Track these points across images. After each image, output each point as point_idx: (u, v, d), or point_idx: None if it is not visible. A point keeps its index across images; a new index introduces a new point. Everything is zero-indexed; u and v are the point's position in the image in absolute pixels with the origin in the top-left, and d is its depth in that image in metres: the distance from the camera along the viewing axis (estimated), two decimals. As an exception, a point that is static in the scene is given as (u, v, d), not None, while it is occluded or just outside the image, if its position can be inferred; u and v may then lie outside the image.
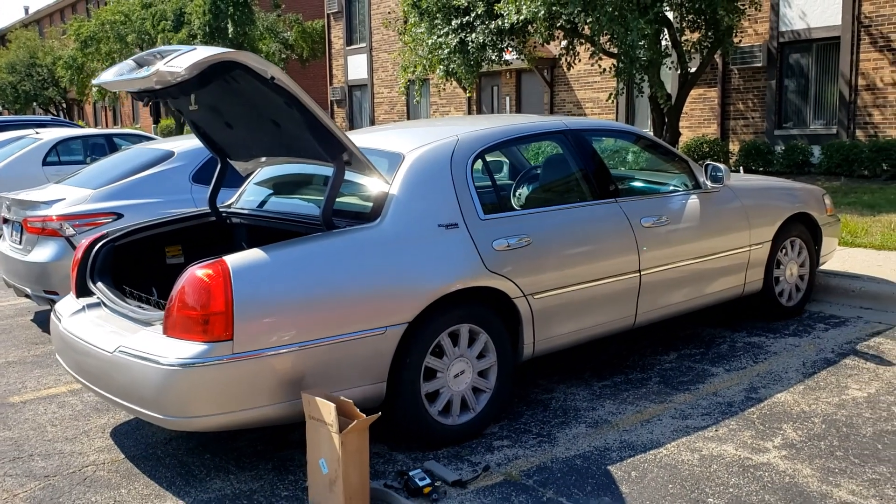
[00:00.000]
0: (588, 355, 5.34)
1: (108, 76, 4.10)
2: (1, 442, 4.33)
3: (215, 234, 4.94)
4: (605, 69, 15.18)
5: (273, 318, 3.53)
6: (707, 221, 5.20)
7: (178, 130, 30.17)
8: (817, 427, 4.08)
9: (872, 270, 6.76)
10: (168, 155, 6.88)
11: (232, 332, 3.44)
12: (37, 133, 12.71)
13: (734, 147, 16.47)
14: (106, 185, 6.56)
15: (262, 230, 4.79)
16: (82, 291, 4.38)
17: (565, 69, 14.15)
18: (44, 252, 6.26)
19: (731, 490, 3.49)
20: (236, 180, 6.83)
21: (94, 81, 4.25)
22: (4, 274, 6.81)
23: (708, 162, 5.50)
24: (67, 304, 4.38)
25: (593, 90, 19.30)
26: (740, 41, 15.46)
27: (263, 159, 4.71)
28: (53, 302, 6.31)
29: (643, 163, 5.36)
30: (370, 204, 4.11)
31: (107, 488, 3.76)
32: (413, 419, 3.92)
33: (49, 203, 6.42)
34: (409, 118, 25.50)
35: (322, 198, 4.60)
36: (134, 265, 4.65)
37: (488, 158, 4.39)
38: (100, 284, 4.32)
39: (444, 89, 19.00)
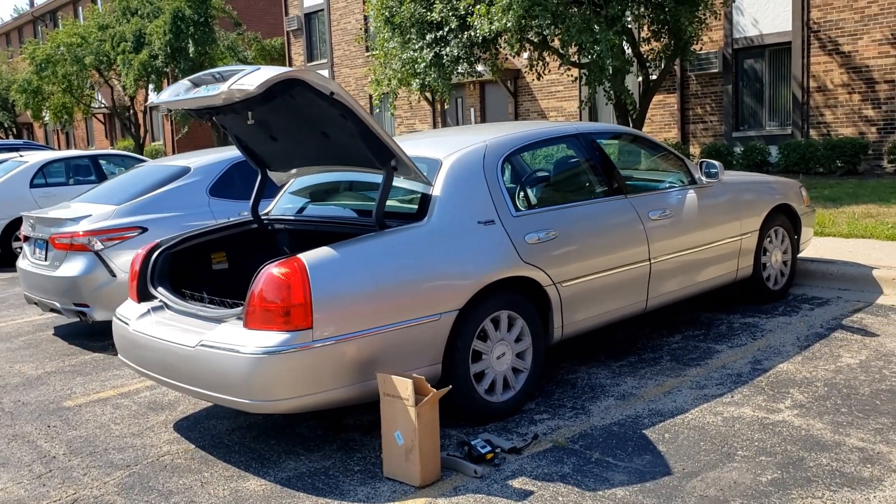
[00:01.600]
0: (601, 340, 5.80)
1: (165, 97, 4.46)
2: (72, 440, 4.63)
3: (256, 241, 5.30)
4: (574, 78, 15.78)
5: (346, 308, 3.92)
6: (704, 214, 5.72)
7: (138, 151, 30.14)
8: (821, 390, 4.59)
9: (845, 256, 7.36)
10: (185, 171, 7.20)
11: (311, 321, 3.83)
12: (21, 156, 12.84)
13: (695, 150, 17.20)
14: (128, 201, 6.86)
15: (305, 234, 5.17)
16: (144, 296, 4.71)
17: (530, 80, 14.71)
18: (73, 267, 6.53)
19: (756, 444, 3.97)
20: (236, 192, 7.23)
21: (153, 101, 4.59)
22: (27, 290, 7.06)
23: (702, 159, 6.02)
24: (131, 309, 4.70)
25: (556, 99, 19.94)
26: (700, 48, 16.19)
27: (295, 171, 5.10)
28: (84, 314, 6.58)
29: (642, 161, 5.87)
30: (415, 205, 4.53)
31: (189, 472, 4.10)
32: (465, 397, 4.33)
33: (76, 220, 6.69)
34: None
35: (362, 202, 5.04)
36: (184, 271, 4.98)
37: (513, 161, 4.83)
38: (161, 289, 4.65)
39: (419, 101, 19.47)
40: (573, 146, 5.31)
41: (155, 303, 4.64)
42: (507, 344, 4.54)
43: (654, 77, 15.05)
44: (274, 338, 3.82)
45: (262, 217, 5.29)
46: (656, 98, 17.36)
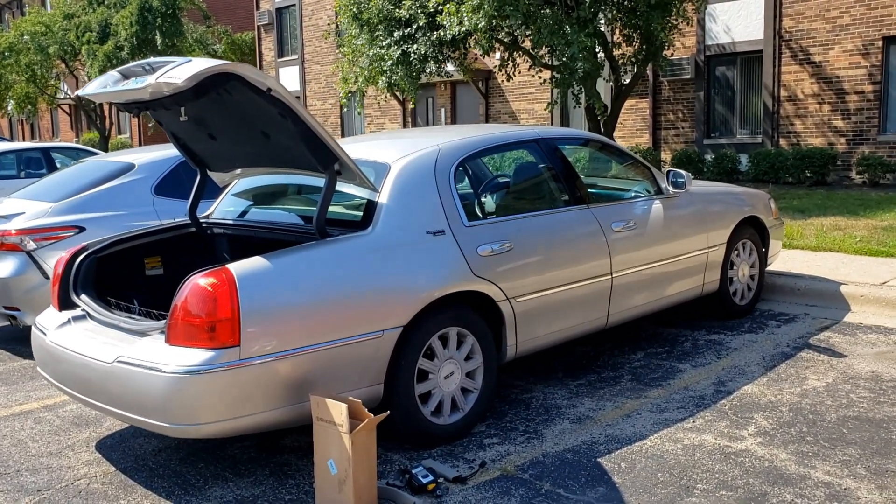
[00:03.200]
0: (559, 357, 5.53)
1: (91, 88, 4.12)
2: (-17, 459, 4.27)
3: (194, 245, 4.96)
4: (544, 80, 15.55)
5: (277, 324, 3.60)
6: (670, 225, 5.47)
7: (103, 144, 29.49)
8: (786, 415, 4.35)
9: (813, 270, 7.16)
10: (128, 167, 6.83)
11: (239, 338, 3.51)
12: (-31, 147, 12.34)
13: (666, 156, 17.05)
14: (66, 199, 6.47)
15: (245, 240, 4.84)
16: (65, 304, 4.35)
17: (501, 81, 14.46)
18: (3, 267, 6.14)
19: (716, 476, 3.71)
20: (184, 191, 6.86)
21: (79, 93, 4.25)
22: (-43, 291, 6.64)
23: (669, 168, 5.78)
24: (51, 318, 4.34)
25: (528, 101, 19.71)
26: (672, 54, 16.04)
27: (239, 171, 4.77)
28: (14, 318, 6.20)
29: (606, 169, 5.61)
30: (360, 213, 4.22)
31: (105, 500, 3.76)
32: (408, 419, 4.03)
33: (7, 217, 6.30)
34: (343, 130, 25.52)
35: (307, 207, 4.72)
36: (114, 277, 4.63)
37: (468, 167, 4.55)
38: (84, 297, 4.30)
39: (387, 100, 19.15)
40: (533, 152, 5.03)
41: (77, 312, 4.29)
42: (455, 363, 4.25)
43: (626, 81, 14.86)
44: (197, 355, 3.49)
45: (201, 220, 4.95)
46: (628, 103, 17.19)
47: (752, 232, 6.32)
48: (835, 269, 7.15)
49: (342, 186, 4.28)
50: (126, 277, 4.71)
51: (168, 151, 7.07)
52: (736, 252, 6.17)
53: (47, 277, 6.13)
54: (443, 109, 22.12)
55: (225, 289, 3.53)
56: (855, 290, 6.42)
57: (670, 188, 5.63)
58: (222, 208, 5.06)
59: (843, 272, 7.01)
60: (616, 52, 14.16)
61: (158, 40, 25.82)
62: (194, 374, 3.45)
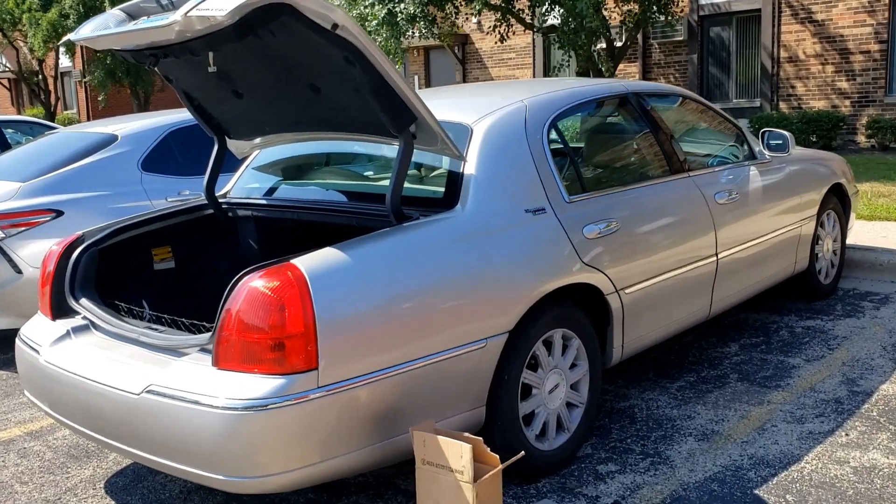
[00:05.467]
0: (643, 354, 4.72)
1: (86, 31, 3.16)
2: (-40, 513, 3.32)
3: (212, 231, 4.02)
4: (528, 44, 14.65)
5: (362, 337, 2.72)
6: (768, 196, 4.68)
7: (49, 120, 27.82)
8: (954, 423, 3.61)
9: (879, 241, 6.47)
10: (110, 139, 5.80)
11: (316, 358, 2.61)
12: None
13: (657, 122, 16.33)
14: (37, 177, 5.44)
15: (279, 225, 3.93)
16: (60, 311, 3.40)
17: (479, 46, 13.56)
18: (-35, 260, 5.11)
19: (918, 511, 2.94)
20: (175, 166, 5.88)
21: (71, 37, 3.27)
22: None
23: (767, 128, 4.98)
24: (42, 329, 3.39)
25: (508, 67, 18.81)
26: (682, 11, 15.18)
27: (260, 139, 3.84)
28: (-21, 321, 5.18)
29: (694, 130, 4.80)
30: (440, 187, 3.33)
31: (132, 571, 2.86)
32: (512, 447, 3.19)
33: (-33, 200, 5.26)
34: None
35: (357, 182, 3.82)
36: (117, 274, 3.69)
37: (559, 128, 3.68)
38: (85, 301, 3.36)
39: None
40: (626, 109, 4.18)
41: (77, 320, 3.34)
42: (560, 372, 3.41)
43: (619, 44, 14.07)
44: (260, 384, 2.59)
45: (220, 200, 4.01)
46: (617, 68, 16.39)
47: (836, 202, 5.57)
48: (905, 241, 6.46)
49: (419, 154, 3.38)
50: (131, 274, 3.76)
51: (155, 120, 6.06)
52: (821, 224, 5.42)
53: (19, 272, 5.13)
54: (416, 76, 21.09)
55: (294, 292, 2.63)
56: (946, 264, 5.73)
57: (766, 152, 4.84)
58: (243, 185, 4.12)
59: (916, 243, 6.32)
60: (611, 13, 13.33)
61: (107, 6, 24.23)
62: (258, 411, 2.55)
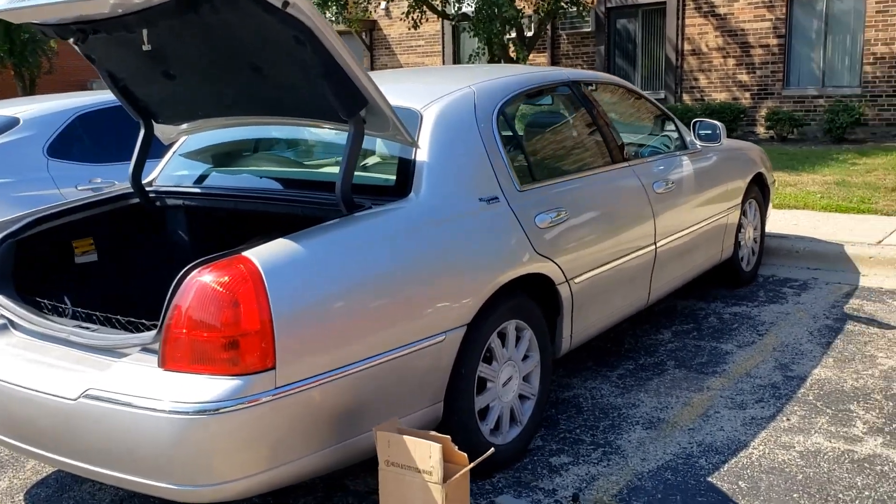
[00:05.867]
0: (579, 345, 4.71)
1: (3, 1, 2.87)
2: None
3: (137, 222, 3.77)
4: (437, 31, 14.56)
5: (321, 334, 2.57)
6: (700, 186, 4.74)
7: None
8: (886, 406, 3.73)
9: (791, 229, 6.69)
10: (11, 123, 5.39)
11: (273, 357, 2.45)
12: None
13: (565, 112, 16.54)
14: (-70, 163, 5.01)
15: (212, 216, 3.72)
16: (-28, 310, 3.11)
17: (388, 33, 13.40)
18: None
19: (866, 493, 3.01)
20: (84, 152, 5.53)
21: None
22: None
23: (698, 118, 5.04)
24: (-47, 330, 3.09)
25: (417, 55, 18.68)
26: (591, 2, 15.36)
27: (186, 125, 3.63)
28: None
29: (627, 119, 4.82)
30: (391, 175, 3.21)
31: (67, 590, 2.64)
32: (468, 443, 3.09)
33: None
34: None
35: (295, 169, 3.66)
36: (34, 268, 3.41)
37: (507, 116, 3.60)
38: (2, 298, 3.08)
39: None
40: (569, 98, 4.14)
41: (-7, 320, 3.06)
42: (513, 365, 3.35)
43: (531, 34, 14.17)
44: (214, 386, 2.41)
45: (147, 189, 3.76)
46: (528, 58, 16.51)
47: (757, 191, 5.71)
48: (816, 228, 6.70)
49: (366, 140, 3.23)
50: (51, 269, 3.49)
51: (61, 102, 5.67)
52: (743, 213, 5.54)
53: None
54: (323, 63, 20.67)
55: (249, 287, 2.46)
56: (857, 251, 5.96)
57: (697, 142, 4.90)
58: (170, 173, 3.88)
59: (826, 231, 6.56)
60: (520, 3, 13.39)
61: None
62: (212, 414, 2.38)
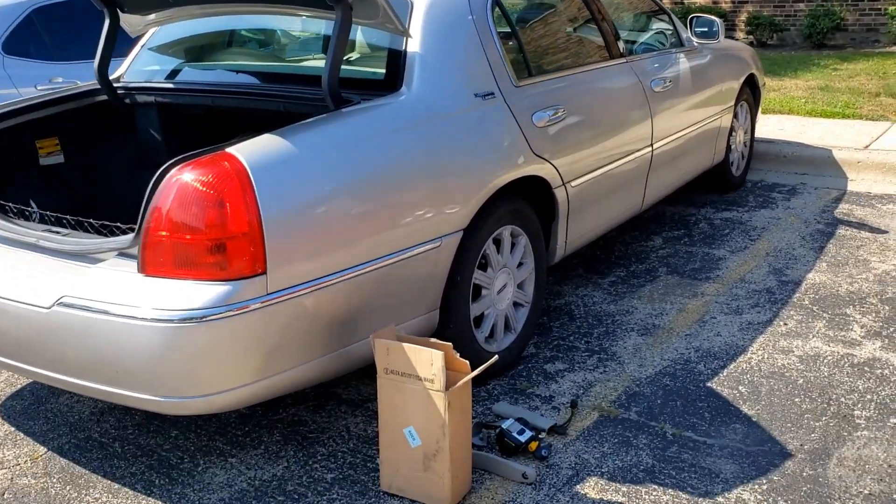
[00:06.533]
0: (567, 246, 4.60)
1: None
2: None
3: (105, 121, 3.53)
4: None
5: (314, 238, 2.41)
6: (697, 85, 4.56)
7: None
8: (882, 309, 3.67)
9: (777, 134, 6.56)
10: (-39, 16, 5.03)
11: (264, 261, 2.28)
12: None
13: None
14: None
15: (188, 114, 3.48)
16: (-69, 214, 2.89)
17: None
18: None
19: (867, 396, 2.97)
20: (41, 49, 5.18)
21: None
22: None
23: (695, 14, 4.82)
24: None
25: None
26: None
27: (154, 15, 3.35)
28: None
29: (618, 14, 4.57)
30: (380, 68, 2.99)
31: (49, 505, 2.52)
32: (463, 351, 2.96)
33: None
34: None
35: (275, 63, 3.42)
36: (-4, 170, 3.18)
37: (502, 4, 3.36)
38: (-39, 201, 2.86)
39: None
40: (563, -13, 3.90)
41: (-46, 225, 2.84)
42: (508, 272, 3.21)
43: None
44: (201, 292, 2.25)
45: (115, 85, 3.50)
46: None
47: (749, 93, 5.54)
48: (803, 133, 6.57)
49: (354, 28, 3.00)
50: (12, 170, 3.25)
51: (14, -5, 5.29)
52: (735, 116, 5.39)
53: None
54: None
55: (235, 185, 2.27)
56: (846, 155, 5.85)
57: (694, 39, 4.69)
58: (139, 67, 3.62)
59: (812, 136, 6.44)
60: None
61: None
62: (199, 322, 2.22)
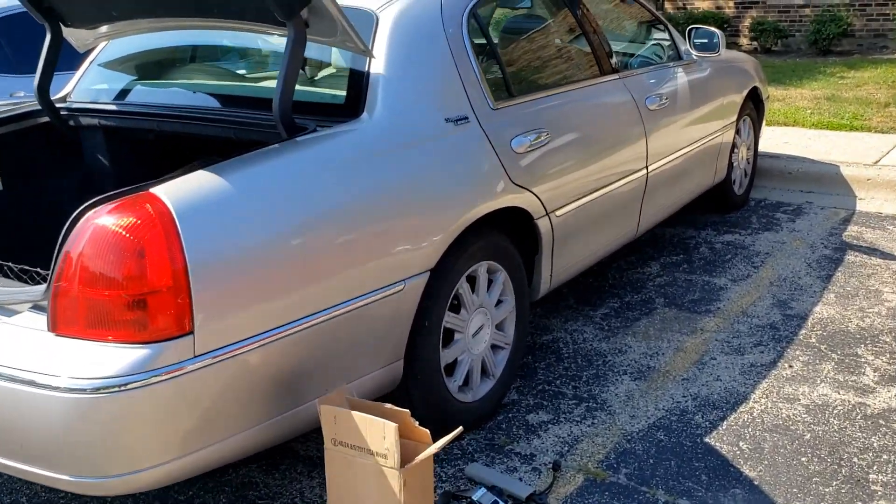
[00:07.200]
0: (557, 274, 4.29)
1: None
2: None
3: (48, 144, 3.24)
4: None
5: (251, 287, 2.10)
6: (696, 101, 4.25)
7: None
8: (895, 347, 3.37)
9: (781, 148, 6.25)
10: (-84, 27, 4.75)
11: (191, 318, 1.98)
12: None
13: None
14: None
15: (133, 139, 3.18)
16: None
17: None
18: None
19: (884, 456, 2.66)
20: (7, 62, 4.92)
21: None
22: None
23: (694, 25, 4.51)
24: None
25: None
26: None
27: (106, 28, 3.06)
28: None
29: (611, 25, 4.28)
30: (342, 90, 2.69)
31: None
32: (432, 403, 2.70)
33: None
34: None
35: (236, 83, 3.13)
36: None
37: (478, 18, 3.07)
38: None
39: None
40: (549, -1, 3.60)
41: None
42: (485, 312, 2.91)
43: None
44: (118, 356, 1.95)
45: (58, 105, 3.20)
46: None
47: (752, 107, 5.24)
48: (808, 147, 6.26)
49: (310, 47, 2.70)
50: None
51: (-26, 4, 5.01)
52: (737, 132, 5.08)
53: None
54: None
55: (157, 232, 1.97)
56: (854, 172, 5.55)
57: (693, 52, 4.39)
58: (86, 86, 3.33)
59: (818, 150, 6.13)
60: None
61: None
62: (116, 392, 1.92)
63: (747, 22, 13.53)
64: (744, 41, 13.54)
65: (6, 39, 4.95)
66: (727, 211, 5.18)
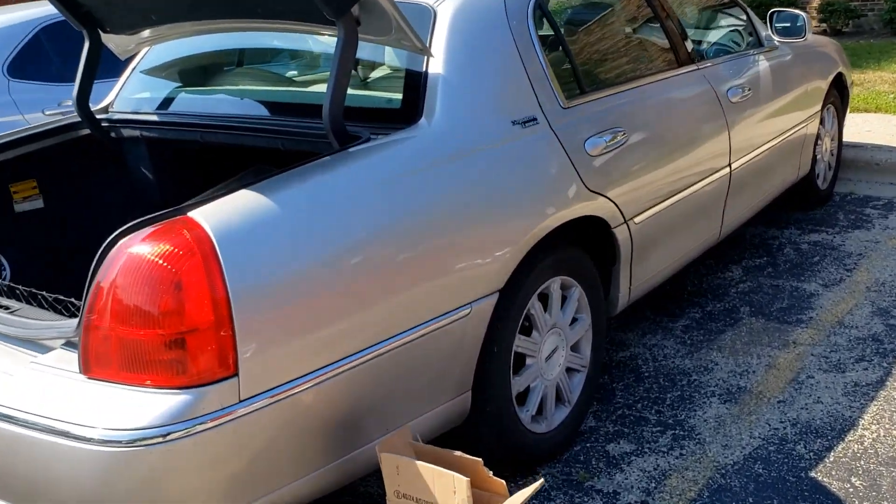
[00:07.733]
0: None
1: None
2: None
3: (91, 158, 3.06)
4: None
5: (301, 322, 1.87)
6: (779, 91, 3.91)
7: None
8: None
9: (863, 137, 5.82)
10: (-37, 38, 4.66)
11: (234, 359, 1.76)
12: None
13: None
14: None
15: (178, 150, 2.99)
16: None
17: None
18: None
19: None
20: (49, 70, 4.79)
21: None
22: None
23: (776, 9, 4.17)
24: None
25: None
26: None
27: (149, 32, 2.87)
28: None
29: (690, 10, 3.96)
30: (398, 94, 2.44)
31: None
32: (503, 436, 2.45)
33: None
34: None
35: (287, 88, 2.91)
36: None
37: (544, 10, 2.79)
38: None
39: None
40: (621, -16, 3.30)
41: None
42: (559, 332, 2.64)
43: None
44: (155, 404, 1.73)
45: (99, 116, 3.03)
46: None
47: (836, 95, 4.84)
48: (894, 135, 5.82)
49: (363, 47, 2.46)
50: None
51: (21, 14, 4.91)
52: (821, 122, 4.70)
53: None
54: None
55: (196, 262, 1.75)
56: (950, 161, 5.12)
57: (775, 37, 4.04)
58: (129, 95, 3.14)
59: (907, 138, 5.69)
60: None
61: None
62: (155, 445, 1.71)
63: (815, 2, 12.92)
64: (812, 22, 12.92)
65: (54, 48, 4.83)
66: (811, 207, 4.80)
